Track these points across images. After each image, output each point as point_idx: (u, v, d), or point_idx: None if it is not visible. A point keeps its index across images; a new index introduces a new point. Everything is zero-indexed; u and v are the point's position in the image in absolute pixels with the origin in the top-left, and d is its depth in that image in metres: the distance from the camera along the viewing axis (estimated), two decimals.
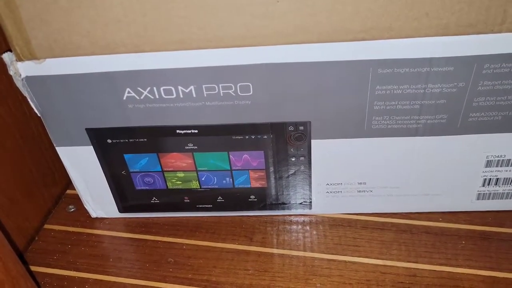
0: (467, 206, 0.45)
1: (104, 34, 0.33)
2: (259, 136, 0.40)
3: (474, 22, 0.31)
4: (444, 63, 0.34)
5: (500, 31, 0.32)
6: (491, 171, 0.42)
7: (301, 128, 0.39)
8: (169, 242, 0.45)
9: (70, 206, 0.50)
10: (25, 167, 0.46)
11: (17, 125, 0.44)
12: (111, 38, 0.33)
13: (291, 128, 0.39)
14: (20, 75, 0.36)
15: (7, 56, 0.36)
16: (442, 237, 0.43)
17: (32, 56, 0.34)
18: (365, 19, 0.32)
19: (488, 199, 0.44)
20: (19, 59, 0.35)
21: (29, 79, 0.36)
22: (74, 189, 0.46)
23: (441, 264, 0.40)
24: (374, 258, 0.41)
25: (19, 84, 0.37)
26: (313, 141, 0.40)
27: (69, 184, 0.52)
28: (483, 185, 0.43)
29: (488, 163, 0.41)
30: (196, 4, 0.31)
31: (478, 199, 0.44)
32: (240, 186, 0.44)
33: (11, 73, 0.36)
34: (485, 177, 0.42)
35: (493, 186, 0.43)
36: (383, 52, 0.34)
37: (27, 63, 0.35)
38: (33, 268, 0.43)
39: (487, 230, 0.43)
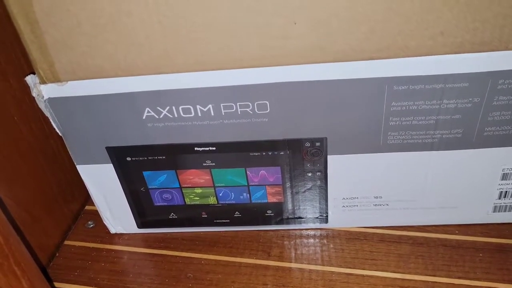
0: (484, 219, 0.45)
1: (126, 57, 0.34)
2: (276, 153, 0.40)
3: (489, 40, 0.32)
4: (459, 80, 0.34)
5: None
6: (507, 184, 0.42)
7: (318, 144, 0.39)
8: (187, 257, 0.45)
9: (89, 222, 0.50)
10: (46, 184, 0.47)
11: (38, 144, 0.45)
12: (133, 61, 0.34)
13: (307, 144, 0.39)
14: (43, 96, 0.37)
15: (30, 79, 0.37)
16: (459, 250, 0.43)
17: (55, 79, 0.35)
18: (380, 39, 0.32)
19: (505, 211, 0.44)
20: (43, 81, 0.36)
21: (52, 101, 0.37)
22: (93, 205, 0.47)
23: (459, 278, 0.41)
24: (392, 272, 0.42)
25: (41, 105, 0.38)
26: (329, 157, 0.40)
27: (88, 200, 0.53)
28: (499, 198, 0.43)
29: (504, 176, 0.41)
30: (215, 27, 0.32)
31: (494, 211, 0.44)
32: (257, 201, 0.45)
33: (34, 95, 0.37)
34: (501, 190, 0.42)
35: (509, 199, 0.43)
36: (399, 70, 0.34)
37: (50, 85, 0.36)
38: (55, 284, 0.44)
39: (504, 243, 0.44)
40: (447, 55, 0.33)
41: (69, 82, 0.36)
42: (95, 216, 0.49)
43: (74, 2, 0.32)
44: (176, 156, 0.41)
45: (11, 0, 0.32)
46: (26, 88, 0.37)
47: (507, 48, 0.32)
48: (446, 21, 0.31)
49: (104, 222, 0.48)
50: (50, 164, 0.47)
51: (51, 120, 0.39)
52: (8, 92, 0.41)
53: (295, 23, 0.31)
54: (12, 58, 0.41)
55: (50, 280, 0.44)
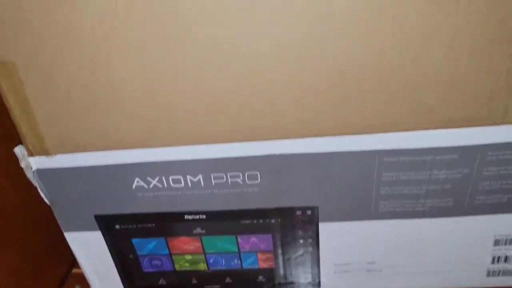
0: (477, 283, 0.44)
1: (116, 132, 0.34)
2: (267, 220, 0.40)
3: (477, 116, 0.32)
4: (448, 152, 0.35)
5: (502, 123, 0.33)
6: (500, 249, 0.42)
7: (309, 212, 0.39)
8: None
9: (76, 286, 0.49)
10: (32, 248, 0.46)
11: (26, 208, 0.45)
12: (123, 135, 0.34)
13: (298, 212, 0.39)
14: (31, 167, 0.37)
15: (19, 150, 0.36)
16: None
17: (44, 153, 0.35)
18: (370, 115, 0.32)
19: (498, 275, 0.43)
20: (31, 154, 0.36)
21: (40, 172, 0.37)
22: (80, 268, 0.46)
23: None
24: None
25: (29, 175, 0.37)
26: (321, 224, 0.40)
27: (74, 263, 0.51)
28: (493, 263, 0.43)
29: (497, 242, 0.41)
30: (205, 103, 0.32)
31: (488, 275, 0.44)
32: (248, 267, 0.44)
33: (22, 165, 0.37)
34: (494, 255, 0.42)
35: (502, 264, 0.43)
36: (388, 143, 0.34)
37: (39, 157, 0.36)
38: None
39: None
40: (435, 130, 0.33)
41: (58, 154, 0.35)
42: (83, 280, 0.48)
43: (64, 79, 0.32)
44: (165, 223, 0.41)
45: (1, 78, 0.32)
46: (14, 155, 0.37)
47: (494, 123, 0.33)
48: (435, 98, 0.32)
49: None
50: (37, 228, 0.46)
51: (39, 189, 0.39)
52: None
53: (285, 101, 0.32)
54: (1, 124, 0.41)
55: None
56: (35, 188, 0.39)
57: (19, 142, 0.36)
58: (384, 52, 0.30)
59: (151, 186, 0.38)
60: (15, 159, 0.37)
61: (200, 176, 0.37)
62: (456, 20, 0.28)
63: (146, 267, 0.44)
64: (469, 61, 0.30)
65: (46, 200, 0.39)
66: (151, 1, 0.28)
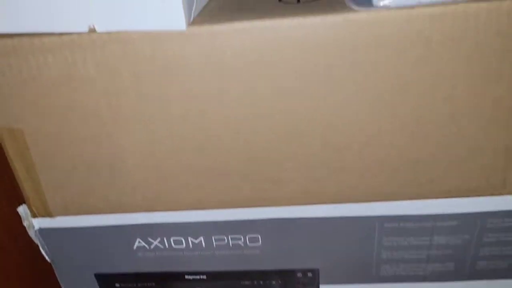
0: None
1: (120, 198, 0.34)
2: (267, 282, 0.40)
3: (476, 188, 0.33)
4: (448, 219, 0.35)
5: (501, 194, 0.33)
6: None
7: (310, 274, 0.39)
8: None
9: None
10: None
11: (26, 264, 0.45)
12: (126, 201, 0.34)
13: (299, 274, 0.39)
14: (34, 227, 0.37)
15: (22, 210, 0.37)
16: None
17: (47, 215, 0.36)
18: (370, 186, 0.33)
19: None
20: (34, 216, 0.36)
21: (42, 231, 0.37)
22: None
23: None
24: None
25: (32, 234, 0.38)
26: (321, 286, 0.40)
27: None
28: None
29: None
30: (208, 172, 0.33)
31: None
32: None
33: (25, 224, 0.37)
34: None
35: None
36: (389, 209, 0.35)
37: (42, 218, 0.36)
38: None
39: None
40: (435, 199, 0.34)
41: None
42: None
43: (69, 148, 0.32)
44: (166, 283, 0.41)
45: (8, 143, 0.32)
46: (17, 212, 0.37)
47: (494, 194, 0.33)
48: (434, 172, 0.32)
49: None
50: (37, 285, 0.46)
51: (40, 248, 0.39)
52: None
53: (285, 170, 0.32)
54: (4, 181, 0.41)
55: None
56: (36, 245, 0.39)
57: (23, 200, 0.37)
58: (383, 131, 0.30)
59: (152, 246, 0.38)
60: (17, 217, 0.38)
61: (201, 238, 0.37)
62: (453, 101, 0.29)
63: None
64: (467, 139, 0.30)
65: (47, 258, 0.39)
66: (157, 78, 0.29)
